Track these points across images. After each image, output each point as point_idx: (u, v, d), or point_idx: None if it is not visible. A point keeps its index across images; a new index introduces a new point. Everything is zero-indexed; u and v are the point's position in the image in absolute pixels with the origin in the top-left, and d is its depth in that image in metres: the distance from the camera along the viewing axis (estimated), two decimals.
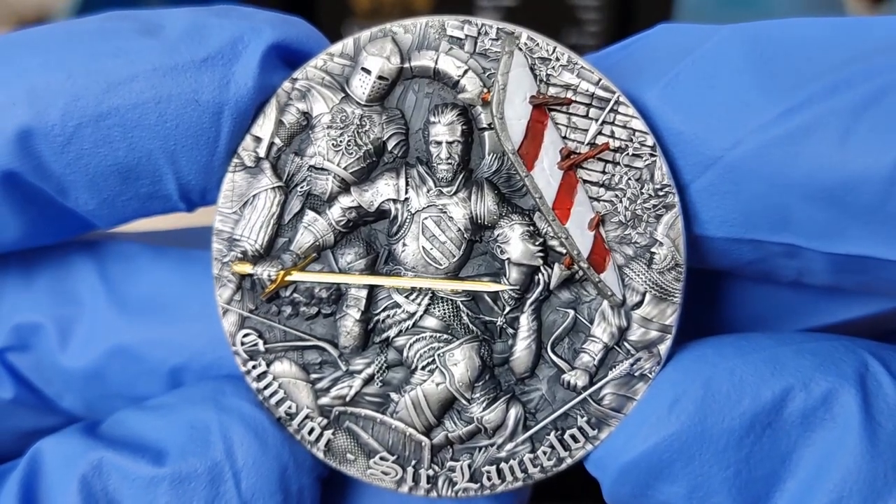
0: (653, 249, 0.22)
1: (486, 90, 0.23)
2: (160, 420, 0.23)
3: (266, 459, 0.23)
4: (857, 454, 0.20)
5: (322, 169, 0.23)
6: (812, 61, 0.21)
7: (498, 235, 0.23)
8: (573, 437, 0.23)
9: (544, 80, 0.22)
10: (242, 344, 0.24)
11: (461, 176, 0.23)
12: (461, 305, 0.23)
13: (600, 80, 0.22)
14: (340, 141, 0.23)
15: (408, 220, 0.23)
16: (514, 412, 0.23)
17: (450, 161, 0.23)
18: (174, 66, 0.22)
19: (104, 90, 0.22)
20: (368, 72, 0.23)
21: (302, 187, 0.23)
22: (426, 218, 0.23)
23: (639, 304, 0.23)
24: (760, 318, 0.25)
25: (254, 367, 0.24)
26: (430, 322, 0.24)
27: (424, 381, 0.24)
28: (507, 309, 0.23)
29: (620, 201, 0.22)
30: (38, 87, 0.22)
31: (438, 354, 0.24)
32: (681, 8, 0.56)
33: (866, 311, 0.24)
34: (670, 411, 0.21)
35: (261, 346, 0.24)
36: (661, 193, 0.22)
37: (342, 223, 0.23)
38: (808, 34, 0.21)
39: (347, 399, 0.24)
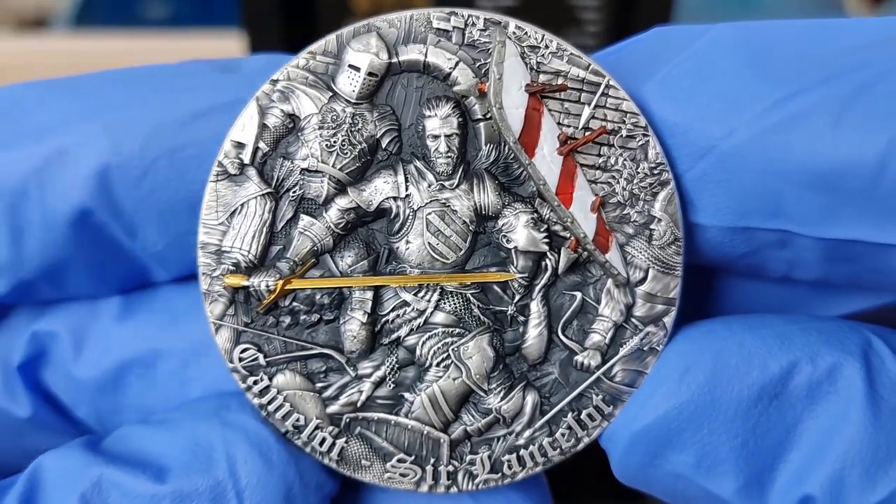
0: (651, 226, 0.23)
1: (481, 81, 0.23)
2: (163, 435, 0.23)
3: (270, 478, 0.22)
4: (860, 426, 0.21)
5: (316, 171, 0.23)
6: (802, 55, 0.22)
7: (503, 225, 0.23)
8: (590, 416, 0.24)
9: (535, 67, 0.22)
10: (241, 360, 0.23)
11: (460, 168, 0.23)
12: (471, 298, 0.23)
13: (590, 65, 0.23)
14: (334, 141, 0.23)
15: (410, 217, 0.23)
16: (531, 399, 0.24)
17: (449, 154, 0.23)
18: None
19: (184, 122, 0.22)
20: (357, 69, 0.22)
21: (294, 192, 0.23)
22: (430, 213, 0.23)
23: (642, 281, 0.23)
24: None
25: (255, 382, 0.23)
26: (441, 317, 0.23)
27: (440, 377, 0.23)
28: (518, 297, 0.23)
29: (618, 182, 0.23)
30: (118, 120, 0.22)
31: (453, 349, 0.23)
32: (681, 8, 0.56)
33: (854, 308, 0.25)
34: (681, 381, 0.22)
35: (261, 360, 0.23)
36: (655, 172, 0.23)
37: (341, 225, 0.23)
38: (798, 31, 0.22)
39: (359, 404, 0.23)
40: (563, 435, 0.24)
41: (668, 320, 0.23)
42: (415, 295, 0.23)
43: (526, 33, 0.23)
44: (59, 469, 0.22)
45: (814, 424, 0.22)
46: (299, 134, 0.23)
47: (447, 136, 0.23)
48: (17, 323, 0.25)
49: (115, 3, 0.80)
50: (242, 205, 0.23)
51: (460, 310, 0.23)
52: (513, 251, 0.23)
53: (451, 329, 0.23)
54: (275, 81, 0.22)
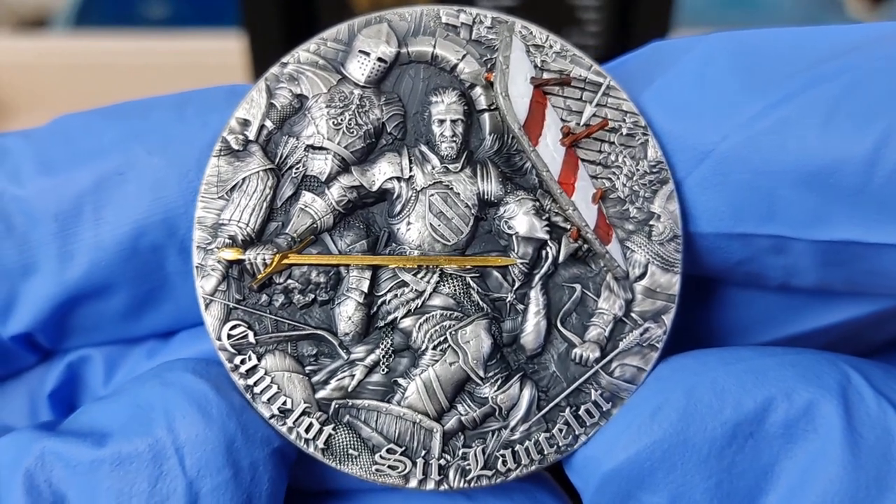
0: (651, 222, 0.23)
1: (488, 71, 0.23)
2: (108, 404, 0.22)
3: (210, 433, 0.21)
4: (838, 465, 0.20)
5: (321, 148, 0.23)
6: (791, 61, 0.22)
7: (504, 211, 0.23)
8: (588, 411, 0.23)
9: (539, 66, 0.23)
10: (230, 337, 0.23)
11: (464, 154, 0.23)
12: (471, 282, 0.23)
13: (591, 65, 0.23)
14: (341, 120, 0.23)
15: (412, 199, 0.23)
16: (528, 392, 0.23)
17: (454, 139, 0.23)
18: None
19: None
20: (367, 54, 0.23)
21: (297, 169, 0.23)
22: (433, 195, 0.23)
23: (642, 276, 0.23)
24: (747, 325, 0.26)
25: (242, 361, 0.23)
26: (439, 301, 0.23)
27: (436, 361, 0.23)
28: (517, 284, 0.23)
29: (618, 178, 0.23)
30: (173, 137, 0.23)
31: (450, 333, 0.23)
32: (681, 8, 0.57)
33: (851, 315, 0.25)
34: (652, 419, 0.21)
35: (251, 338, 0.23)
36: (655, 169, 0.23)
37: (342, 203, 0.23)
38: (786, 39, 0.23)
39: (350, 390, 0.23)
40: (560, 431, 0.23)
41: (668, 318, 0.23)
42: (414, 276, 0.23)
43: (531, 33, 0.23)
44: (8, 449, 0.21)
45: (791, 464, 0.21)
46: (306, 112, 0.23)
47: (452, 121, 0.23)
48: (52, 359, 0.25)
49: (115, 3, 0.80)
50: (243, 179, 0.23)
51: (459, 294, 0.23)
52: (514, 237, 0.23)
53: (448, 312, 0.23)
54: (284, 64, 0.23)
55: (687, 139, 0.22)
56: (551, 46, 0.23)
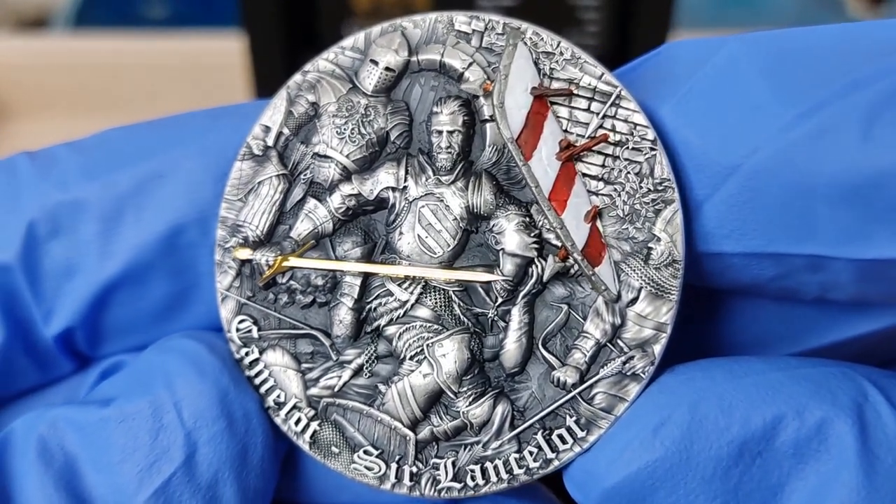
0: (650, 245, 0.22)
1: (488, 80, 0.23)
2: (117, 376, 0.24)
3: (204, 386, 0.22)
4: (852, 489, 0.19)
5: (326, 156, 0.24)
6: (824, 64, 0.20)
7: (493, 225, 0.23)
8: (561, 437, 0.23)
9: (548, 73, 0.23)
10: (238, 330, 0.24)
11: (461, 166, 0.23)
12: (453, 296, 0.23)
13: (602, 73, 0.22)
14: (345, 129, 0.24)
15: (405, 209, 0.24)
16: (500, 409, 0.23)
17: (449, 150, 0.23)
18: None
19: None
20: (376, 63, 0.23)
21: (306, 175, 0.24)
22: (423, 206, 0.23)
23: (634, 301, 0.22)
24: (775, 336, 0.24)
25: (246, 354, 0.24)
26: (422, 312, 0.23)
27: (412, 371, 0.23)
28: (500, 301, 0.23)
29: (619, 195, 0.22)
30: (210, 142, 0.24)
31: (427, 345, 0.23)
32: (681, 8, 0.57)
33: (889, 322, 0.23)
34: (655, 435, 0.20)
35: (255, 333, 0.24)
36: (660, 188, 0.22)
37: (341, 211, 0.24)
38: (817, 40, 0.21)
39: (335, 390, 0.24)
40: (530, 453, 0.23)
41: (658, 348, 0.22)
42: (399, 286, 0.24)
43: (542, 39, 0.23)
44: (24, 422, 0.23)
45: (801, 486, 0.20)
46: (317, 121, 0.24)
47: (449, 133, 0.23)
48: (87, 368, 0.27)
49: (115, 3, 0.81)
50: (259, 183, 0.24)
51: (441, 307, 0.23)
52: (500, 253, 0.23)
53: (428, 324, 0.23)
54: (306, 72, 0.24)
55: (712, 153, 0.21)
56: (562, 54, 0.22)
